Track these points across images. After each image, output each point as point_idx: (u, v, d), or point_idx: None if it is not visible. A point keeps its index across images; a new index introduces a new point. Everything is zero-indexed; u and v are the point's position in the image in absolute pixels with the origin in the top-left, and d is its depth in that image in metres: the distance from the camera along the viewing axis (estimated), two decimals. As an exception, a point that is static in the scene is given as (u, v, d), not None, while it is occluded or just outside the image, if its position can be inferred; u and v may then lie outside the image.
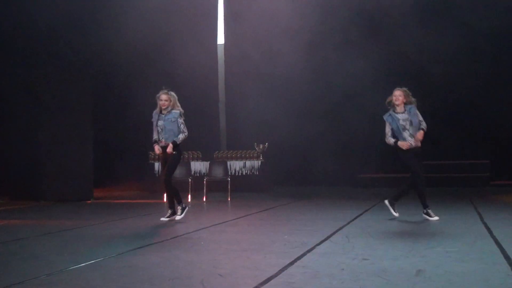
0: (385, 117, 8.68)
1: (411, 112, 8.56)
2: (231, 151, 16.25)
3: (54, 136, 13.01)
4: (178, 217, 8.88)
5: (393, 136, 8.60)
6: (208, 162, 14.78)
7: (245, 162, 15.82)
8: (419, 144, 8.58)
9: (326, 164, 17.12)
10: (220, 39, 18.12)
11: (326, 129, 17.37)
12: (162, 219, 8.92)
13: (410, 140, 8.51)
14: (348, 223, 8.38)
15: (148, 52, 17.21)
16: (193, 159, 15.66)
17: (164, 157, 8.80)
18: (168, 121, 8.74)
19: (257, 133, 16.44)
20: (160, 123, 8.77)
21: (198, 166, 15.67)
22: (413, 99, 8.66)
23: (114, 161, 16.96)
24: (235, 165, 15.77)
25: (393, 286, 4.43)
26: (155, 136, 8.85)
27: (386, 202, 8.92)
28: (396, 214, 8.82)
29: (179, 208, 8.93)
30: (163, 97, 8.77)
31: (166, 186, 8.80)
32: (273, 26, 16.84)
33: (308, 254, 5.81)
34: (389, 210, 8.87)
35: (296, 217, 9.50)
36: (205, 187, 13.35)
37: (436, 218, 8.58)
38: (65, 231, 7.99)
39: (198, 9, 17.67)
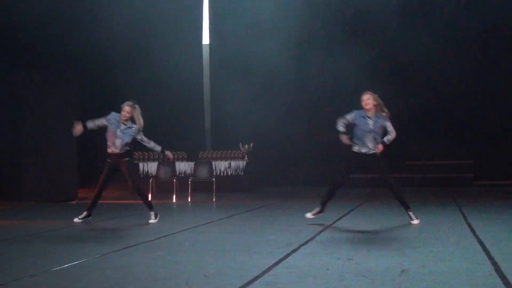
0: (355, 112, 8.29)
1: (378, 123, 8.14)
2: (216, 151, 16.24)
3: (38, 135, 12.92)
4: (150, 220, 8.93)
5: (345, 127, 8.24)
6: (193, 163, 14.75)
7: (230, 163, 15.81)
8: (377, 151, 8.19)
9: (311, 165, 17.15)
10: (205, 39, 18.09)
11: (311, 129, 17.41)
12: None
13: (368, 146, 8.17)
14: (334, 223, 8.41)
15: (133, 52, 17.15)
16: (178, 160, 15.62)
17: (116, 164, 8.89)
18: (127, 134, 8.85)
19: (242, 133, 16.43)
20: (118, 133, 8.80)
21: (183, 166, 15.64)
22: (385, 110, 8.20)
23: (99, 161, 16.86)
24: (220, 166, 15.76)
25: (378, 286, 4.44)
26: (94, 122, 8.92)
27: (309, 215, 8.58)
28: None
29: (152, 213, 9.01)
30: (126, 109, 8.83)
31: (138, 191, 9.07)
32: (258, 26, 16.84)
33: (293, 254, 5.82)
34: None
35: (281, 217, 9.50)
36: (190, 188, 13.32)
37: (310, 216, 8.42)
38: (49, 231, 7.94)
39: (183, 9, 17.63)
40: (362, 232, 7.46)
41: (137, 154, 15.78)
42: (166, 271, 5.13)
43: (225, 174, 15.72)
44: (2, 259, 5.84)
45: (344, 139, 8.23)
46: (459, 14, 16.79)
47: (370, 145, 8.18)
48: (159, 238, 7.13)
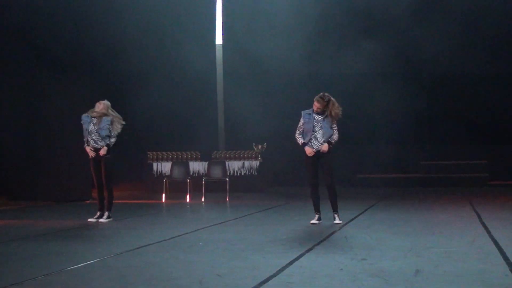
0: (303, 112, 8.60)
1: (325, 121, 8.36)
2: (230, 151, 16.24)
3: (52, 136, 12.99)
4: (101, 219, 9.03)
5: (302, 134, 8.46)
6: (207, 163, 14.76)
7: (243, 162, 15.81)
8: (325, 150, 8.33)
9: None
10: (219, 39, 18.11)
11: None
12: (90, 220, 9.06)
13: (314, 144, 8.36)
14: (347, 223, 8.38)
15: (146, 52, 17.19)
16: (191, 159, 15.65)
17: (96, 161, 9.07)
18: (101, 128, 8.98)
19: (256, 133, 16.43)
20: (89, 127, 9.02)
21: (197, 166, 15.66)
22: (337, 111, 8.42)
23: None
24: (234, 166, 15.76)
25: (392, 286, 4.42)
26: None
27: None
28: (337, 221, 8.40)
29: (106, 213, 9.11)
30: (97, 104, 9.06)
31: (107, 188, 9.07)
32: (271, 26, 16.83)
33: (306, 254, 5.81)
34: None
35: (295, 217, 9.49)
36: (203, 188, 13.34)
37: (316, 222, 8.38)
38: (63, 231, 7.98)
39: (195, 10, 17.66)
40: (376, 232, 7.43)
41: (150, 154, 15.83)
42: (180, 270, 5.14)
43: (238, 174, 15.72)
44: (17, 258, 5.88)
45: (308, 151, 8.42)
46: (476, 10, 16.64)
47: (315, 142, 8.43)
48: (173, 237, 7.14)
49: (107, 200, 9.10)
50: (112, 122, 9.01)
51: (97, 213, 9.11)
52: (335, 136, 8.45)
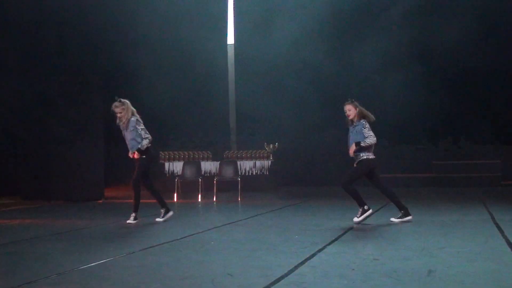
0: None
1: (356, 129, 8.35)
2: (241, 151, 16.25)
3: (65, 136, 13.06)
4: (157, 219, 8.90)
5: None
6: (218, 162, 14.78)
7: (255, 162, 15.81)
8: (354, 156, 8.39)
9: (336, 164, 17.07)
10: (230, 39, 18.12)
11: (337, 128, 17.30)
12: (158, 219, 8.92)
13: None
14: (359, 223, 8.36)
15: (158, 52, 17.24)
16: (203, 159, 15.67)
17: (134, 164, 8.85)
18: (129, 131, 8.68)
19: (267, 133, 16.43)
20: (123, 133, 8.75)
21: (208, 166, 15.68)
22: (369, 115, 8.41)
23: (125, 160, 16.99)
24: (245, 165, 15.76)
25: (404, 287, 4.41)
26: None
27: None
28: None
29: (162, 211, 8.98)
30: (116, 110, 8.65)
31: (134, 188, 8.79)
32: (283, 25, 16.82)
33: (318, 254, 5.80)
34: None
35: (307, 217, 9.48)
36: (215, 187, 13.36)
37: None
38: (76, 230, 8.02)
39: (207, 10, 17.69)
40: (388, 232, 7.41)
41: (162, 154, 15.87)
42: (192, 270, 5.15)
43: (250, 174, 15.72)
44: (30, 257, 5.92)
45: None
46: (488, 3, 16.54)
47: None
48: (185, 237, 7.16)
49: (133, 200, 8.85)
50: (137, 122, 8.64)
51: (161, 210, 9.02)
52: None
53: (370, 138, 8.28)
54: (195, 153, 15.88)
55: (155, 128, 17.23)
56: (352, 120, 8.43)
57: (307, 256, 5.68)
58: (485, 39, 16.92)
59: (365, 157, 8.36)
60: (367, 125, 8.36)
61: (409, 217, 8.44)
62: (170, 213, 9.02)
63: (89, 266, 5.34)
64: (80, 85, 13.31)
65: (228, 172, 13.81)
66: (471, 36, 16.43)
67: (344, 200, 12.68)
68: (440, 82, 17.56)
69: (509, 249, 5.93)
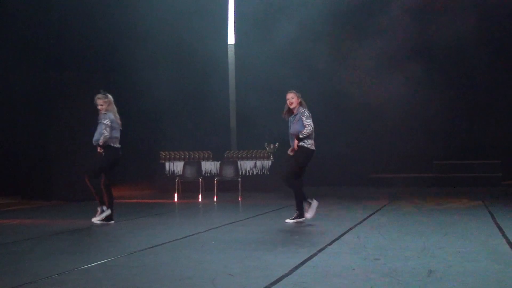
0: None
1: (296, 117, 8.43)
2: (242, 151, 16.25)
3: (65, 135, 13.05)
4: (93, 219, 8.73)
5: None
6: (219, 162, 14.78)
7: (255, 162, 15.81)
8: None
9: (337, 164, 17.08)
10: (231, 39, 18.12)
11: (337, 128, 17.33)
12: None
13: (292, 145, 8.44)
14: (359, 223, 8.36)
15: (158, 52, 17.23)
16: (203, 159, 15.67)
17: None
18: (99, 124, 8.75)
19: (268, 132, 16.41)
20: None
21: (209, 166, 15.68)
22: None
23: (125, 160, 16.99)
24: (246, 165, 15.77)
25: (405, 287, 4.41)
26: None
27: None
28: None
29: (99, 209, 8.78)
30: (99, 102, 8.72)
31: (88, 182, 8.70)
32: (283, 25, 16.82)
33: (319, 254, 5.80)
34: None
35: (307, 217, 9.46)
36: (215, 187, 13.36)
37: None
38: (77, 230, 8.02)
39: (208, 10, 17.69)
40: (389, 232, 7.40)
41: (162, 154, 15.87)
42: (192, 270, 5.15)
43: (250, 174, 15.72)
44: (31, 257, 5.91)
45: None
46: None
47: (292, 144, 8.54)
48: (185, 237, 7.16)
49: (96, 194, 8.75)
50: (105, 118, 8.65)
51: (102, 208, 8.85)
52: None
53: (307, 128, 8.33)
54: (196, 153, 15.88)
55: (155, 128, 17.36)
56: (292, 109, 8.48)
57: (308, 256, 5.68)
58: (485, 39, 16.89)
59: (306, 146, 8.30)
60: (306, 113, 8.38)
61: (303, 218, 8.46)
62: (108, 212, 8.73)
63: (89, 266, 5.34)
64: (80, 84, 13.30)
65: (229, 172, 13.82)
66: (471, 36, 16.42)
67: (344, 200, 12.70)
68: (441, 81, 17.54)
69: (509, 249, 5.93)
